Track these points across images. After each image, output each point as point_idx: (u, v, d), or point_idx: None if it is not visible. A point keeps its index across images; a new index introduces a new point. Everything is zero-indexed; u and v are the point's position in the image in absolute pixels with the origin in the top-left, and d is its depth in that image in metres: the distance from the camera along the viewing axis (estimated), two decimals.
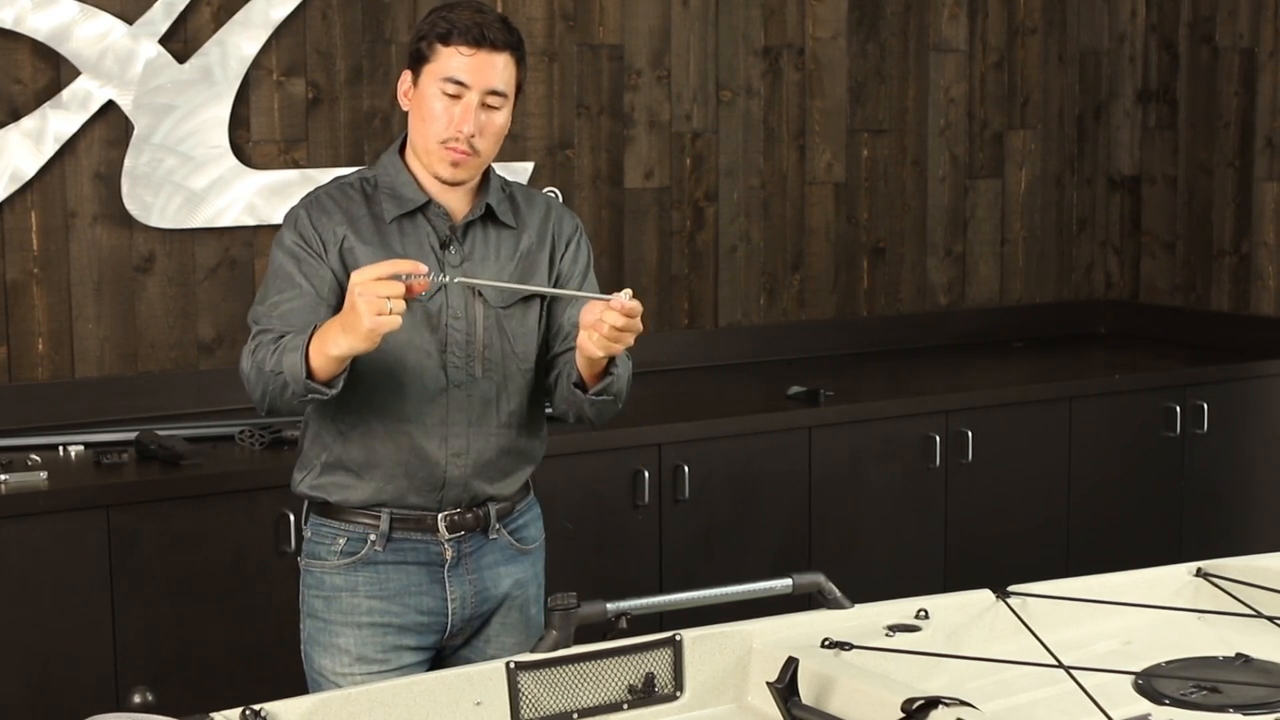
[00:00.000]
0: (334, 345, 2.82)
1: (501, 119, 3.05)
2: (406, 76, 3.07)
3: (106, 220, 4.54)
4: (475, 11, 3.02)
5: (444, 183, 3.07)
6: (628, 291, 2.83)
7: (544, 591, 3.24)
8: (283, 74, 4.74)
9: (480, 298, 3.07)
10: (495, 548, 3.16)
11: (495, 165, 3.20)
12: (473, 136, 3.00)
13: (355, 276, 2.78)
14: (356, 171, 3.16)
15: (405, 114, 3.11)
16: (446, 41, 3.00)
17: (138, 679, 2.66)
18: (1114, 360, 5.74)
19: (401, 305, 2.76)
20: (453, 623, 3.13)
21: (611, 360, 2.98)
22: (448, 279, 2.88)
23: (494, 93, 3.01)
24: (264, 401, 2.96)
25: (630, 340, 2.88)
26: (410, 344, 3.03)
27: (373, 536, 3.08)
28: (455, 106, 3.00)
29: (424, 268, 2.78)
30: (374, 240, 3.05)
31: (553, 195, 3.34)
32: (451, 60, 3.00)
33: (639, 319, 2.85)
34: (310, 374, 2.86)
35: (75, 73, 4.45)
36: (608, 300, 2.82)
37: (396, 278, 2.75)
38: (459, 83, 2.99)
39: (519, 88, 3.08)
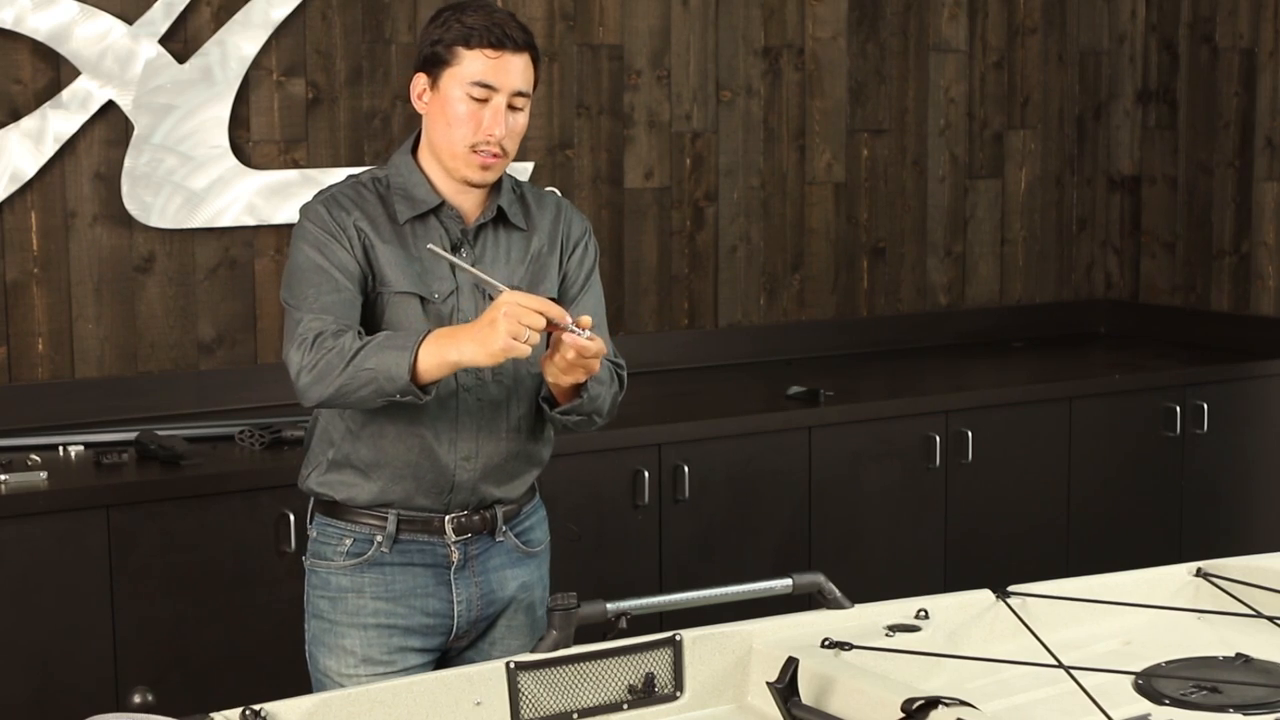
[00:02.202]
0: (458, 352, 2.83)
1: (525, 119, 3.06)
2: (420, 79, 3.06)
3: (106, 220, 4.54)
4: (489, 13, 3.02)
5: (472, 186, 3.06)
6: (587, 320, 2.85)
7: (550, 594, 3.24)
8: (282, 74, 4.74)
9: (490, 300, 3.06)
10: (501, 550, 3.16)
11: None
12: (502, 139, 3.01)
13: (508, 296, 2.80)
14: (367, 171, 3.14)
15: (407, 115, 3.11)
16: (468, 45, 2.99)
17: (137, 679, 2.67)
18: (1114, 360, 5.73)
19: (537, 338, 2.80)
20: (458, 625, 3.13)
21: (583, 383, 3.00)
22: (580, 332, 2.85)
23: (519, 94, 3.02)
24: (325, 390, 2.91)
25: (581, 376, 2.92)
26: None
27: (379, 538, 3.08)
28: (484, 110, 3.00)
29: (569, 319, 2.81)
30: (392, 239, 3.04)
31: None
32: (476, 64, 2.99)
33: (596, 361, 2.87)
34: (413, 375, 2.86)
35: (75, 73, 4.45)
36: (572, 328, 2.83)
37: (544, 317, 2.81)
38: (487, 86, 2.99)
39: (534, 86, 3.08)
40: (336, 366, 2.89)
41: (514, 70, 3.01)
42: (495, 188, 3.11)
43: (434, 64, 3.03)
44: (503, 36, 2.99)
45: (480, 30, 2.99)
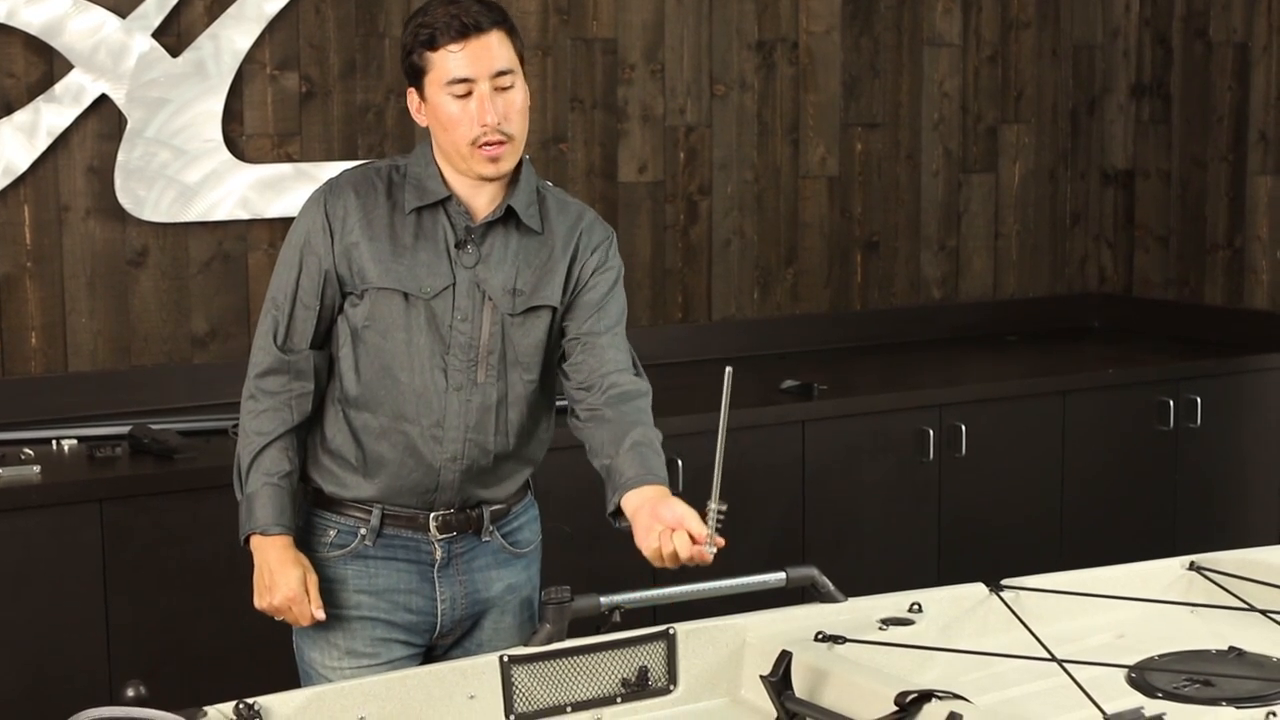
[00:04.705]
0: (258, 561, 3.02)
1: (519, 96, 2.99)
2: (412, 95, 3.03)
3: (99, 214, 4.54)
4: (448, 4, 2.96)
5: (489, 179, 3.02)
6: (721, 541, 2.76)
7: (539, 595, 3.21)
8: (276, 68, 4.74)
9: (490, 302, 3.05)
10: (487, 550, 3.14)
11: None
12: (499, 124, 2.96)
13: (297, 584, 2.98)
14: (389, 159, 3.13)
15: (400, 109, 3.09)
16: (434, 46, 2.94)
17: (131, 672, 2.66)
18: (1107, 354, 5.74)
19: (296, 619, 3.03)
20: (442, 623, 3.12)
21: None
22: (712, 550, 2.77)
23: (500, 73, 2.96)
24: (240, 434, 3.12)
25: (672, 565, 2.80)
26: (412, 343, 3.01)
27: (363, 530, 3.07)
28: (470, 103, 2.94)
29: (708, 532, 2.77)
30: (383, 235, 3.01)
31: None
32: (447, 61, 2.94)
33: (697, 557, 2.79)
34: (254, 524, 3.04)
35: (68, 66, 4.45)
36: (710, 548, 2.75)
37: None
38: (463, 80, 2.94)
39: (521, 58, 3.02)
40: (239, 455, 3.08)
41: (486, 53, 2.95)
42: (512, 185, 3.07)
43: (415, 76, 3.00)
44: (464, 25, 2.93)
45: (441, 27, 2.93)
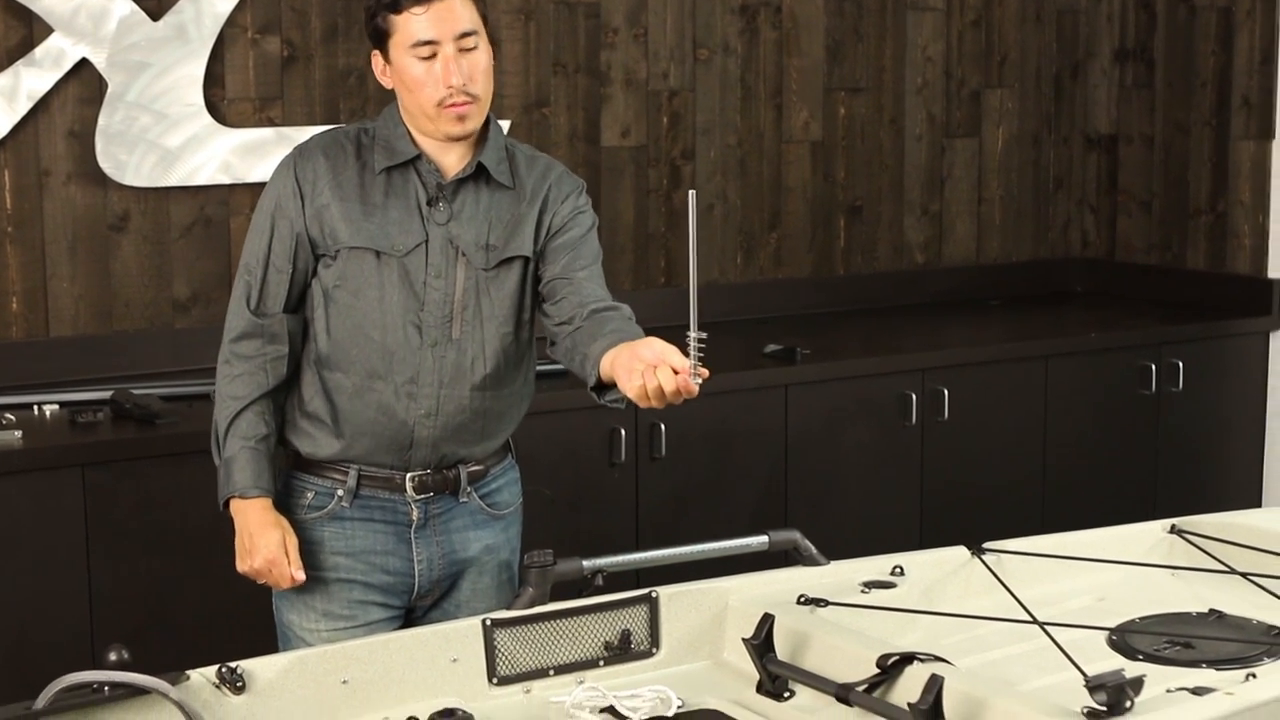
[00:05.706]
0: (239, 524, 3.05)
1: (483, 57, 3.02)
2: (377, 58, 3.06)
3: (80, 179, 4.52)
4: None
5: (455, 139, 3.04)
6: (706, 373, 2.67)
7: (519, 558, 3.22)
8: (258, 31, 4.72)
9: (464, 257, 3.05)
10: (465, 511, 3.15)
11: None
12: (464, 85, 2.98)
13: (277, 546, 3.00)
14: (358, 122, 3.15)
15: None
16: (398, 9, 2.97)
17: (114, 637, 2.66)
18: (1090, 319, 5.75)
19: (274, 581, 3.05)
20: (419, 584, 3.13)
21: None
22: (699, 382, 2.65)
23: (464, 35, 2.98)
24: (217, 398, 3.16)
25: (657, 405, 2.70)
26: (385, 300, 3.03)
27: (340, 492, 3.08)
28: (435, 65, 2.97)
29: (691, 365, 2.65)
30: (354, 195, 3.03)
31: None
32: (410, 24, 2.97)
33: (684, 398, 2.69)
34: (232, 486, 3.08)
35: (48, 30, 4.42)
36: (695, 380, 2.64)
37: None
38: (428, 42, 2.97)
39: (484, 19, 3.04)
40: (216, 420, 3.13)
41: (450, 15, 2.97)
42: (481, 143, 3.09)
43: (379, 39, 3.03)
44: None
45: None
